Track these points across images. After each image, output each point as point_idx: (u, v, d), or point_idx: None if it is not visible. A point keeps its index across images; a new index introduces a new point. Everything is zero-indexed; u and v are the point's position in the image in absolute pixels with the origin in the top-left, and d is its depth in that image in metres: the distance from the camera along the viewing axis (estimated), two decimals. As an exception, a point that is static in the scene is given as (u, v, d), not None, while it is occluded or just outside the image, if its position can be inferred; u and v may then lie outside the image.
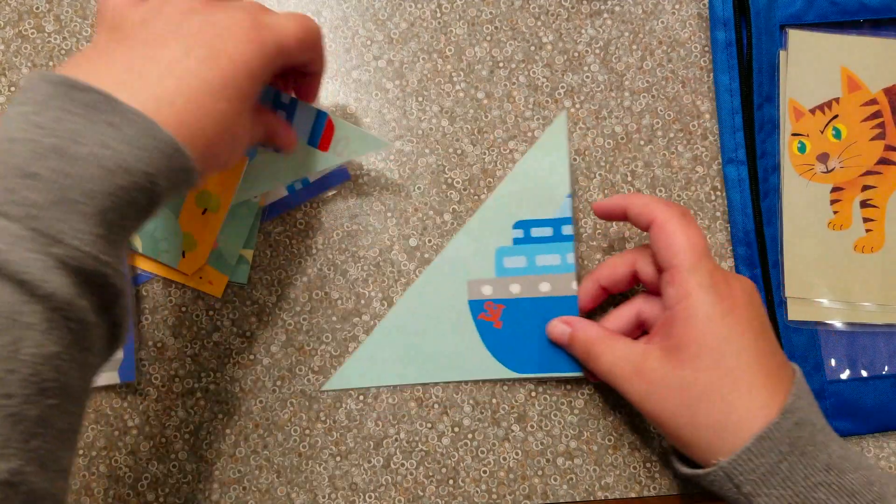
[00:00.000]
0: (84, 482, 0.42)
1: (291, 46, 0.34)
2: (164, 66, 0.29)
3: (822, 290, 0.43)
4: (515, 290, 0.42)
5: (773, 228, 0.43)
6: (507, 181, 0.43)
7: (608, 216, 0.40)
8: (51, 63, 0.44)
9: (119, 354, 0.41)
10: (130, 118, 0.27)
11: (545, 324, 0.41)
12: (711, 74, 0.46)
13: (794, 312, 0.43)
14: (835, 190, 0.44)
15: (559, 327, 0.41)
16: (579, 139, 0.45)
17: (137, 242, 0.43)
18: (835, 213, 0.43)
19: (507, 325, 0.42)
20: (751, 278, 0.42)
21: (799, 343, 0.42)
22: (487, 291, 0.42)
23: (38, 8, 0.45)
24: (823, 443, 0.33)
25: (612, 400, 0.43)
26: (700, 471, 0.34)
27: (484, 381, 0.43)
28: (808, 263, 0.43)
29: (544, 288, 0.42)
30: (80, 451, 0.42)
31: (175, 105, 0.29)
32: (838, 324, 0.43)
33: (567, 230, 0.42)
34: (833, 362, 0.43)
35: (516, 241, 0.42)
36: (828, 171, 0.44)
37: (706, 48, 0.46)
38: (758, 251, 0.43)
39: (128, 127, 0.27)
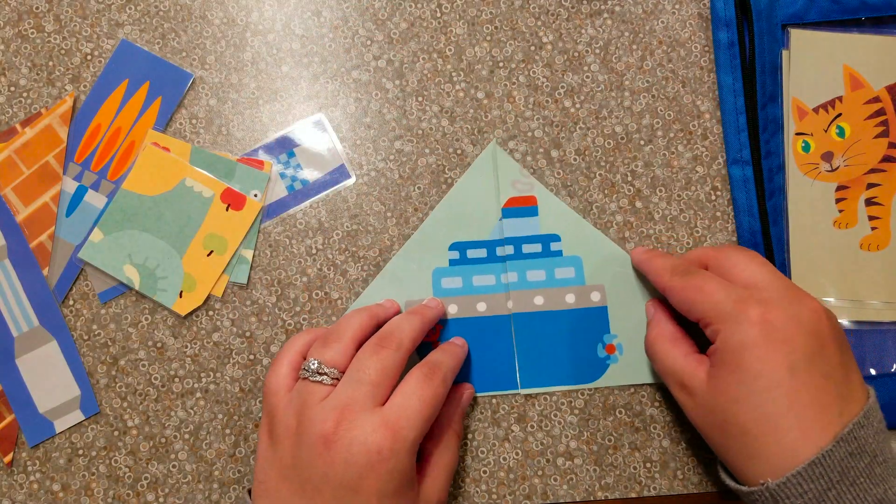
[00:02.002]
0: (84, 482, 0.40)
1: (423, 427, 0.33)
2: None
3: (828, 290, 0.41)
4: (453, 310, 0.41)
5: (778, 228, 0.41)
6: (443, 204, 0.42)
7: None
8: (50, 63, 0.42)
9: (76, 391, 0.40)
10: None
11: (481, 342, 0.41)
12: (711, 74, 0.44)
13: (803, 312, 0.41)
14: (840, 188, 0.42)
15: (648, 310, 0.40)
16: (579, 139, 0.43)
17: (135, 277, 0.41)
18: (840, 211, 0.41)
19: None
20: None
21: None
22: None
23: (37, 8, 0.43)
24: (882, 476, 0.30)
25: (612, 400, 0.41)
26: (744, 488, 0.32)
27: None
28: (814, 263, 0.41)
29: (481, 308, 0.41)
30: (80, 451, 0.40)
31: None
32: (846, 322, 0.41)
33: (501, 251, 0.41)
34: None
35: (452, 263, 0.41)
36: (832, 170, 0.42)
37: (706, 48, 0.44)
38: (764, 252, 0.41)
39: None
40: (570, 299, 0.41)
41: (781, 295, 0.32)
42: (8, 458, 0.40)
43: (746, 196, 0.42)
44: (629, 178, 0.43)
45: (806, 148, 0.42)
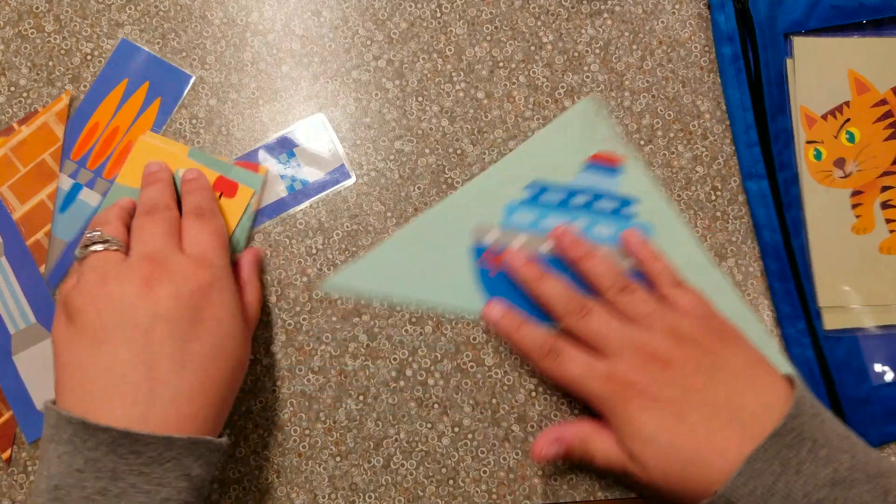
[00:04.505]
0: (83, 482, 0.38)
1: (225, 253, 0.35)
2: (150, 381, 0.30)
3: (853, 296, 0.39)
4: (520, 241, 0.40)
5: (800, 240, 0.39)
6: (532, 141, 0.41)
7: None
8: (50, 63, 0.41)
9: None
10: (149, 443, 0.29)
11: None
12: (711, 74, 0.42)
13: (830, 321, 0.39)
14: (854, 194, 0.40)
15: (551, 449, 0.35)
16: (579, 139, 0.41)
17: None
18: (857, 217, 0.40)
19: (502, 276, 0.39)
20: (784, 293, 0.39)
21: (839, 352, 0.39)
22: (491, 240, 0.40)
23: (37, 8, 0.41)
24: (828, 457, 0.30)
25: (613, 401, 0.39)
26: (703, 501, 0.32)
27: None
28: (836, 270, 0.39)
29: (544, 249, 0.39)
30: (79, 451, 0.39)
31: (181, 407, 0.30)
32: (873, 327, 0.39)
33: (576, 201, 0.40)
34: (876, 367, 0.39)
35: (527, 200, 0.40)
36: (846, 176, 0.40)
37: (706, 48, 0.42)
38: (789, 265, 0.39)
39: (151, 451, 0.29)
40: (625, 265, 0.39)
41: (642, 358, 0.34)
42: (6, 455, 0.38)
43: (765, 210, 0.40)
44: (629, 179, 0.41)
45: (818, 156, 0.40)
